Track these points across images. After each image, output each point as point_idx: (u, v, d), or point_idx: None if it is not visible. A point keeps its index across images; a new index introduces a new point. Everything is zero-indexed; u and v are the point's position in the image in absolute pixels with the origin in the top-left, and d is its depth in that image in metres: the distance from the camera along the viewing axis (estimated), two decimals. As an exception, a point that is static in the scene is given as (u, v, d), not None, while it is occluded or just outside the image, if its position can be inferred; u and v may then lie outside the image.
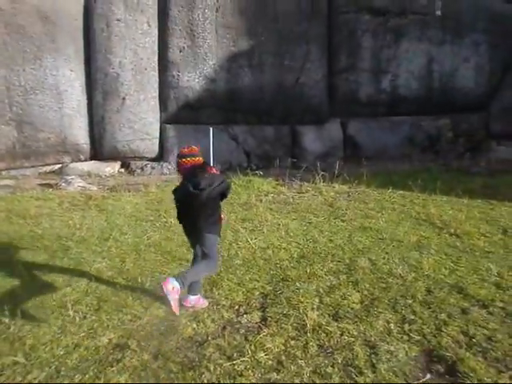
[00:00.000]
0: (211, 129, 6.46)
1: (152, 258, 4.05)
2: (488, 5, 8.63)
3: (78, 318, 2.99)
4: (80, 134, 7.78)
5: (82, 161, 7.94)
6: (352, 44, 8.36)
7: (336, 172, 6.65)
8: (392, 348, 2.61)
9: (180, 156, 3.22)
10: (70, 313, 3.04)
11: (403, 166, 8.02)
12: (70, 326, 2.91)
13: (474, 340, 2.66)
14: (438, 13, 8.57)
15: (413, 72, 8.63)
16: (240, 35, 7.83)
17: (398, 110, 8.70)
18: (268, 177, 6.98)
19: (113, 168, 7.96)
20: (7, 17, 6.97)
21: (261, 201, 5.88)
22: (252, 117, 8.17)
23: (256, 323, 2.95)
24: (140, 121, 7.83)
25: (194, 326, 2.93)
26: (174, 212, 5.02)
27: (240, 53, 7.90)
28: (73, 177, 7.07)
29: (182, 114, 8.00)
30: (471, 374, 2.36)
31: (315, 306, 3.09)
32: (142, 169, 7.94)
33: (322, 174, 6.42)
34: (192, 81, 7.84)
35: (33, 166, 7.64)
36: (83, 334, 2.82)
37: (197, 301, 3.19)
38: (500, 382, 2.31)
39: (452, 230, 4.53)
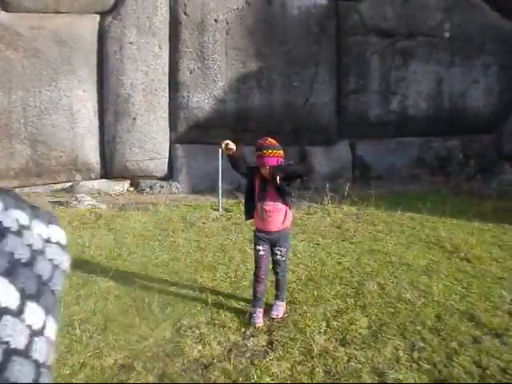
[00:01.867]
0: (220, 149, 6.51)
1: (159, 277, 4.05)
2: (498, 26, 8.69)
3: (84, 338, 2.99)
4: (91, 153, 7.90)
5: (93, 179, 8.04)
6: (361, 65, 8.45)
7: (345, 193, 6.63)
8: (401, 376, 2.55)
9: (257, 148, 3.06)
10: (78, 332, 3.04)
11: (413, 188, 7.98)
12: (77, 345, 2.91)
13: (487, 372, 2.58)
14: (447, 35, 8.65)
15: (422, 93, 8.67)
16: (249, 57, 7.97)
17: (408, 131, 8.71)
18: (276, 197, 6.98)
19: (122, 187, 8.05)
20: (26, 42, 7.22)
21: (269, 221, 5.88)
22: (261, 137, 8.23)
23: (262, 347, 2.92)
24: (150, 140, 7.93)
25: (200, 348, 2.90)
26: (185, 233, 5.06)
27: (249, 74, 8.02)
28: (83, 195, 7.14)
29: (192, 134, 8.10)
30: (483, 407, 2.30)
31: (322, 331, 3.05)
32: (151, 188, 8.01)
33: (331, 195, 6.41)
34: (202, 101, 7.96)
35: (45, 184, 7.76)
36: (90, 354, 2.81)
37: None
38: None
39: (462, 254, 4.47)
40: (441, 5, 8.50)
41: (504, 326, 3.08)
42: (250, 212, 3.28)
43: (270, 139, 3.08)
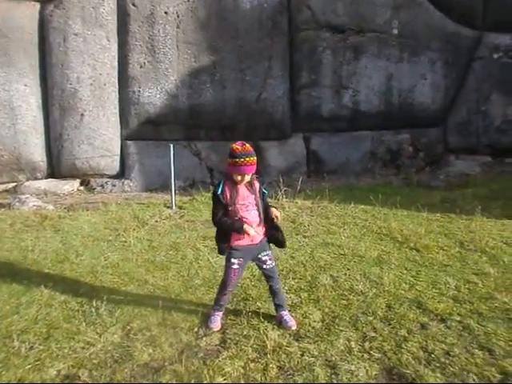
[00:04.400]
0: (171, 145, 6.37)
1: (109, 280, 3.89)
2: (441, 25, 9.02)
3: (23, 349, 2.80)
4: (36, 151, 7.49)
5: (39, 179, 7.64)
6: (313, 60, 8.51)
7: (299, 187, 6.67)
8: (352, 367, 2.57)
9: (234, 155, 2.83)
10: (16, 344, 2.85)
11: (365, 181, 8.17)
12: (15, 358, 2.72)
13: (432, 355, 2.67)
14: (395, 31, 8.88)
15: (373, 88, 8.85)
16: (201, 51, 7.82)
17: (360, 125, 8.88)
18: (231, 193, 6.91)
19: (71, 186, 7.69)
20: (-45, 29, 6.69)
21: (223, 218, 5.80)
22: (215, 133, 8.13)
23: (215, 346, 2.86)
24: (100, 137, 7.62)
25: (151, 351, 2.81)
26: (137, 232, 4.89)
27: (202, 68, 7.88)
28: (28, 196, 6.76)
29: (144, 131, 7.87)
30: (430, 391, 2.36)
31: (276, 326, 3.03)
32: (102, 186, 7.72)
33: (285, 190, 6.42)
34: (153, 97, 7.73)
35: (-16, 186, 7.29)
36: (29, 367, 2.64)
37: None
38: (458, 398, 2.32)
39: (412, 244, 4.60)
40: (389, 2, 8.70)
41: (448, 310, 3.19)
42: (227, 239, 2.99)
43: (247, 144, 2.87)
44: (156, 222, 5.65)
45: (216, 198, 2.93)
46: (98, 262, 4.28)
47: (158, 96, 7.76)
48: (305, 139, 8.71)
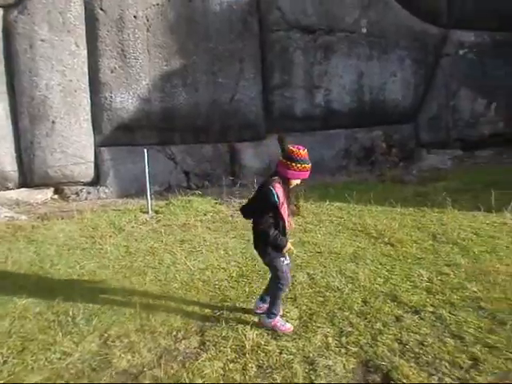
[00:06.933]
0: (145, 150, 6.33)
1: (85, 288, 3.84)
2: (408, 23, 9.24)
3: (-3, 364, 2.75)
4: (6, 160, 7.30)
5: (10, 189, 7.45)
6: (285, 61, 8.57)
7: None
8: (330, 362, 2.62)
9: (300, 160, 2.80)
10: (-11, 358, 2.79)
11: (340, 178, 8.28)
12: (-13, 374, 2.67)
13: (407, 346, 2.74)
14: (364, 30, 9.04)
15: (344, 87, 8.98)
16: (172, 54, 7.78)
17: (333, 124, 8.99)
18: (207, 196, 6.91)
19: (45, 195, 7.53)
20: None
21: (200, 221, 5.79)
22: (189, 136, 8.10)
23: (194, 348, 2.87)
24: (72, 144, 7.49)
25: (129, 357, 2.80)
26: (113, 238, 4.85)
27: (173, 72, 7.83)
28: (-1, 206, 6.60)
29: (117, 136, 7.76)
30: (404, 381, 2.42)
31: (254, 326, 3.06)
32: (77, 194, 7.58)
33: (262, 190, 6.43)
34: (125, 102, 7.64)
35: (-48, 198, 7.06)
36: (2, 382, 2.59)
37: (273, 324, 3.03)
38: (430, 385, 2.39)
39: (386, 239, 4.70)
40: (357, 2, 8.84)
41: (422, 302, 3.28)
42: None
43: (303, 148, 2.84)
44: (132, 227, 5.60)
45: (273, 207, 2.82)
46: (74, 271, 4.23)
47: (131, 101, 7.68)
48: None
